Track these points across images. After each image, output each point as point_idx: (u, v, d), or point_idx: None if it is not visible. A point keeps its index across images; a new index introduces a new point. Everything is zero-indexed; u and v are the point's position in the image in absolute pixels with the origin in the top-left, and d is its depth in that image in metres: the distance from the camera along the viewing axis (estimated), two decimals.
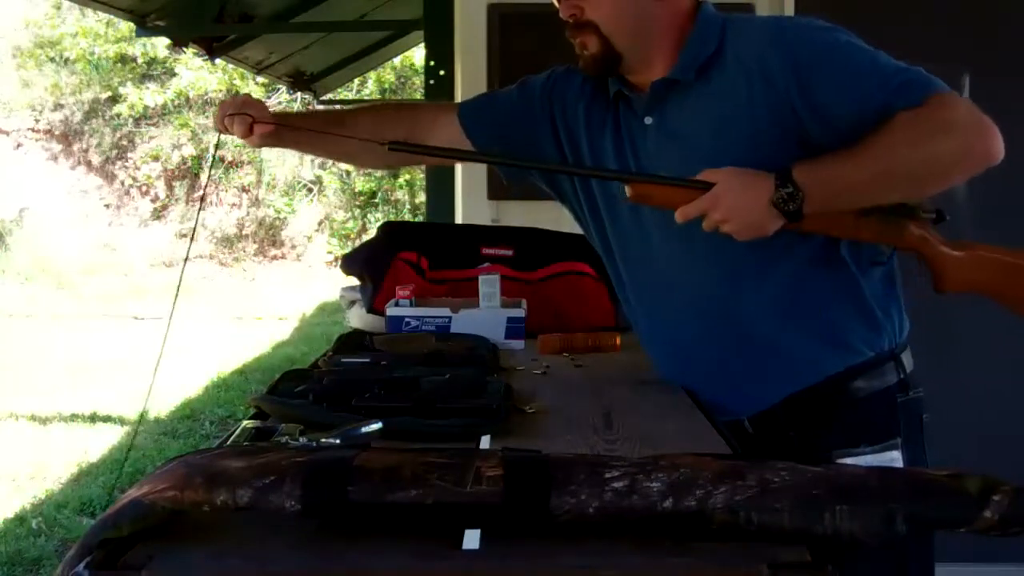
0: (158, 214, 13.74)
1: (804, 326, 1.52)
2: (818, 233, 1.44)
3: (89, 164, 13.91)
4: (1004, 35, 3.13)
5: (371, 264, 2.31)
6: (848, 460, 1.45)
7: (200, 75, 13.16)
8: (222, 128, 1.64)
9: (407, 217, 12.72)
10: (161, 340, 1.77)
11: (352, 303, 2.36)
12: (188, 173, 13.79)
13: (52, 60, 13.69)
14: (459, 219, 3.34)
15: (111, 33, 13.16)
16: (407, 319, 2.03)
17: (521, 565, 0.88)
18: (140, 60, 13.57)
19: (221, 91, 13.12)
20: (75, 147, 13.94)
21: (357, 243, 10.05)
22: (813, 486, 0.92)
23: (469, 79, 3.22)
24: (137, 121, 13.76)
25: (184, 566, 0.88)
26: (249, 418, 1.35)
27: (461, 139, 1.68)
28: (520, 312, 2.04)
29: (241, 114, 1.61)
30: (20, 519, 4.25)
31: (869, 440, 1.50)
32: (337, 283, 1.94)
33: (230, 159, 13.56)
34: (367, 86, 13.13)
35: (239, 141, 1.70)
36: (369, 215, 13.45)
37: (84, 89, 13.79)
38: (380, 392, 1.44)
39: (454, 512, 0.90)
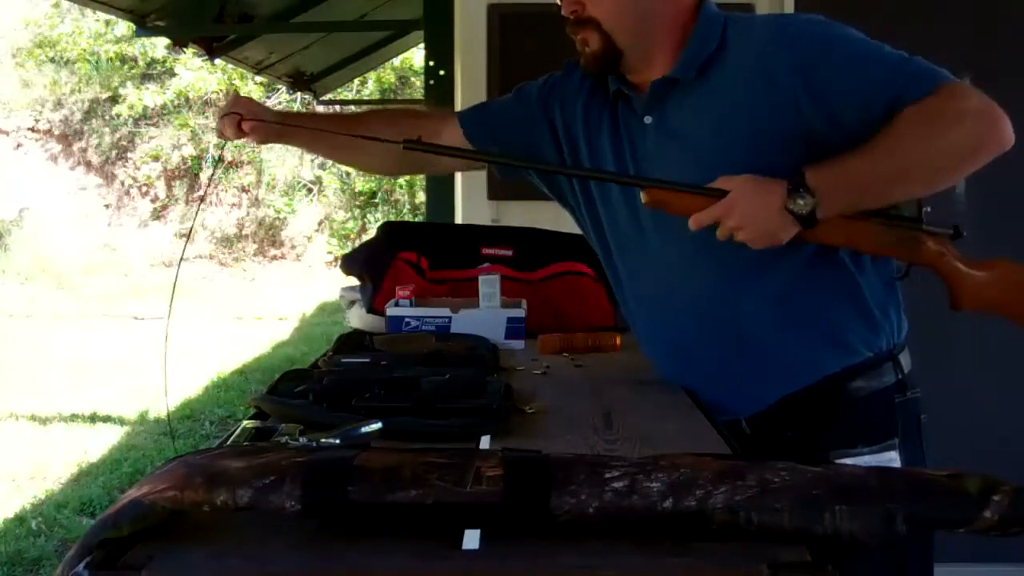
0: (158, 214, 13.74)
1: (803, 326, 1.51)
2: (834, 245, 1.43)
3: (89, 164, 13.91)
4: (1004, 35, 3.13)
5: (371, 264, 2.31)
6: (846, 461, 1.45)
7: (200, 75, 13.16)
8: (219, 133, 1.66)
9: (407, 217, 12.71)
10: (163, 341, 1.77)
11: (352, 303, 2.36)
12: (188, 173, 13.79)
13: (52, 60, 13.69)
14: (459, 219, 3.34)
15: (111, 33, 13.16)
16: (407, 319, 2.03)
17: (521, 565, 0.88)
18: (140, 60, 13.57)
19: (221, 91, 13.13)
20: (75, 147, 13.94)
21: (357, 243, 10.06)
22: (813, 486, 0.92)
23: (469, 79, 3.22)
24: (137, 121, 13.76)
25: (184, 566, 0.88)
26: (249, 418, 1.35)
27: (465, 144, 1.69)
28: (520, 312, 2.04)
29: (230, 114, 1.62)
30: (20, 519, 4.26)
31: (867, 441, 1.50)
32: (337, 283, 1.94)
33: (230, 159, 13.56)
34: (367, 86, 13.12)
35: (240, 141, 1.70)
36: (369, 215, 13.45)
37: (84, 89, 13.79)
38: (380, 392, 1.44)
39: (454, 512, 0.90)
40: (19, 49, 13.74)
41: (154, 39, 10.82)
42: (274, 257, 13.63)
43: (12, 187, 12.96)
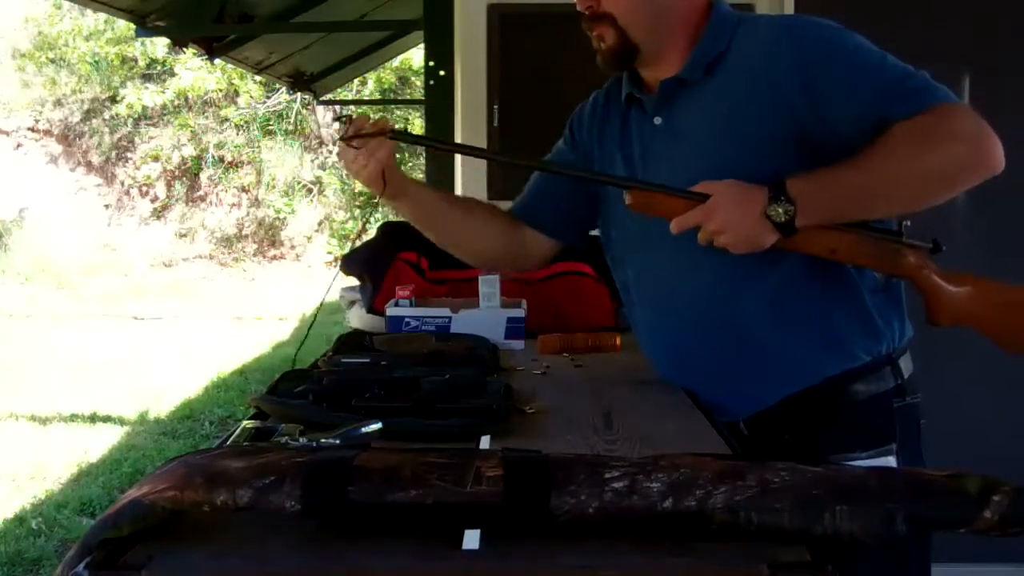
0: (158, 214, 13.74)
1: (802, 329, 1.51)
2: (814, 254, 1.42)
3: (89, 164, 13.90)
4: (1004, 35, 3.13)
5: (371, 264, 2.31)
6: None
7: (200, 75, 13.16)
8: (356, 168, 1.53)
9: None
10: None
11: (352, 303, 2.36)
12: (188, 173, 13.78)
13: (52, 60, 13.68)
14: None
15: (111, 33, 13.16)
16: (407, 319, 2.03)
17: (521, 565, 0.88)
18: (140, 60, 13.56)
19: (220, 91, 13.11)
20: (75, 147, 13.94)
21: (357, 243, 10.05)
22: (813, 486, 0.92)
23: (469, 79, 3.22)
24: (137, 121, 13.75)
25: (184, 566, 0.88)
26: (249, 418, 1.35)
27: (549, 242, 1.74)
28: (520, 312, 2.04)
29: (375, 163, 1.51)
30: (20, 519, 4.25)
31: (864, 445, 1.49)
32: (337, 283, 1.93)
33: (230, 159, 13.55)
34: (367, 86, 13.12)
35: (365, 188, 1.66)
36: (369, 215, 13.44)
37: (84, 89, 13.78)
38: (380, 392, 1.44)
39: (454, 512, 0.90)
40: (19, 49, 13.73)
41: (154, 39, 10.81)
42: (274, 257, 13.62)
43: (12, 187, 12.96)
